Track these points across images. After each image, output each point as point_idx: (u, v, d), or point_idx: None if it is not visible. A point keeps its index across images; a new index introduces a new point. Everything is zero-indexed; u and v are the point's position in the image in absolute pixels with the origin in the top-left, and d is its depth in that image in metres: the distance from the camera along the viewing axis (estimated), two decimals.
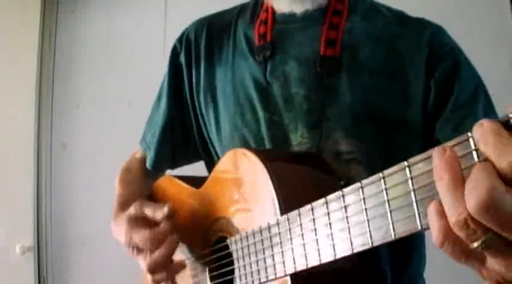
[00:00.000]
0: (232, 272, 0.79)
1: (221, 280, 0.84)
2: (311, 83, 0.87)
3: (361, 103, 0.85)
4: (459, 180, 0.37)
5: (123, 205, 1.00)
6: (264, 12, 0.95)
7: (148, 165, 1.07)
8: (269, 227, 0.69)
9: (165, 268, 0.85)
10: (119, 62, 2.63)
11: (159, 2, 2.59)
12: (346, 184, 0.67)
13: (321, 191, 0.61)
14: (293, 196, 0.69)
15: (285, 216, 0.65)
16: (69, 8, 2.88)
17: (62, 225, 2.68)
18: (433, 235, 0.39)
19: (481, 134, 0.36)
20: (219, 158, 0.92)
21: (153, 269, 0.84)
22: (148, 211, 0.86)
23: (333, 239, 0.56)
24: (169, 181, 1.07)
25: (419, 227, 0.44)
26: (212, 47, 0.99)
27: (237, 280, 0.77)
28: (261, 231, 0.70)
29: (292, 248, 0.64)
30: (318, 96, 0.86)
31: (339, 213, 0.55)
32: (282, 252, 0.66)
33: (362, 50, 0.88)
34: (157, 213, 0.84)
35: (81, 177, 2.65)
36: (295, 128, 0.86)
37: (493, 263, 0.38)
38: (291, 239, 0.64)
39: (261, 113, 0.88)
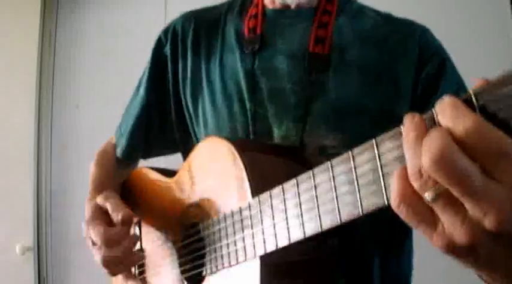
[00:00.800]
0: (203, 257, 0.80)
1: (191, 265, 0.85)
2: (298, 78, 0.88)
3: (347, 100, 0.87)
4: (422, 138, 0.40)
5: (98, 185, 1.05)
6: (254, 8, 0.97)
7: (119, 153, 1.08)
8: (240, 211, 0.70)
9: (121, 263, 0.86)
10: (119, 62, 2.63)
11: (159, 3, 2.59)
12: None
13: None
14: (264, 181, 0.69)
15: (256, 198, 0.66)
16: (69, 8, 2.88)
17: (62, 225, 2.68)
18: (392, 197, 0.42)
19: (441, 107, 0.40)
20: None
21: (106, 264, 0.86)
22: (109, 208, 0.88)
23: (302, 218, 0.57)
24: (146, 172, 1.06)
25: (385, 202, 0.46)
26: (199, 40, 1.00)
27: (207, 264, 0.78)
28: (232, 215, 0.71)
29: (262, 230, 0.64)
30: (304, 91, 0.87)
31: (309, 193, 0.56)
32: (253, 234, 0.66)
33: (350, 50, 0.90)
34: (114, 214, 0.87)
35: (81, 177, 2.65)
36: (280, 121, 0.87)
37: (443, 221, 0.40)
38: (261, 221, 0.65)
39: (247, 105, 0.89)
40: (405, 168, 0.42)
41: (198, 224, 0.82)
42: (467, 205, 0.39)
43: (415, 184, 0.41)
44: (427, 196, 0.40)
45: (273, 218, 0.62)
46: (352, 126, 0.86)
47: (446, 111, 0.39)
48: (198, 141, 0.98)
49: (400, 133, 0.44)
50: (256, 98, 0.89)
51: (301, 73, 0.88)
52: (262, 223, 0.65)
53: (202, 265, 0.80)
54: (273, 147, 0.86)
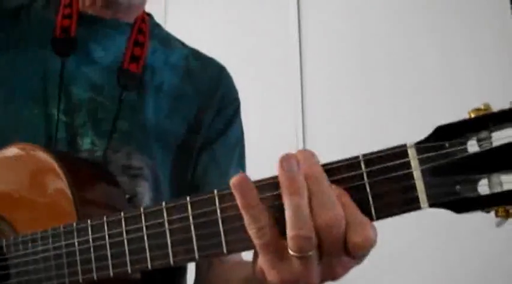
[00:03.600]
0: (2, 278, 0.72)
1: None
2: (108, 92, 0.86)
3: (153, 123, 0.87)
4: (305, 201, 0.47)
5: None
6: (68, 7, 0.89)
7: None
8: (64, 233, 0.64)
9: None
10: None
11: (159, 3, 2.58)
12: (130, 199, 0.79)
13: (110, 198, 0.65)
14: (87, 201, 0.67)
15: (83, 224, 0.63)
16: None
17: None
18: (262, 241, 0.49)
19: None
20: None
21: None
22: None
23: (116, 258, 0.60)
24: None
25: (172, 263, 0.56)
26: None
27: None
28: (52, 235, 0.65)
29: (93, 257, 0.62)
30: (112, 106, 0.85)
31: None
32: (76, 261, 0.63)
33: (161, 74, 0.92)
34: None
35: None
36: (86, 133, 0.84)
37: (294, 266, 0.48)
38: (93, 247, 0.62)
39: (50, 110, 0.83)
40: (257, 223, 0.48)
41: None
42: (325, 261, 0.48)
43: (297, 245, 0.47)
44: (311, 253, 0.47)
45: (93, 250, 0.61)
46: (157, 150, 0.86)
47: (319, 182, 0.48)
48: None
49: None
50: (61, 105, 0.83)
51: (112, 88, 0.86)
52: (88, 250, 0.62)
53: None
54: (86, 161, 0.81)
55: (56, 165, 0.69)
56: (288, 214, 0.47)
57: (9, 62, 0.86)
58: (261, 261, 0.50)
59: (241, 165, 0.97)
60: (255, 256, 0.52)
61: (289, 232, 0.46)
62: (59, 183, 0.68)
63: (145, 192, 0.83)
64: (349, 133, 1.98)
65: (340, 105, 2.04)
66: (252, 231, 0.48)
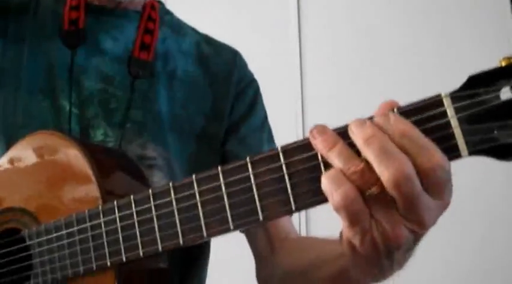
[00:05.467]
0: (29, 268, 0.70)
1: (11, 278, 0.74)
2: (119, 82, 0.85)
3: (167, 112, 0.86)
4: (346, 145, 0.47)
5: None
6: None
7: None
8: (89, 216, 0.63)
9: None
10: None
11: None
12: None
13: (135, 187, 0.65)
14: (112, 186, 0.67)
15: (110, 205, 0.62)
16: None
17: None
18: (335, 198, 0.45)
19: (378, 113, 0.48)
20: None
21: None
22: None
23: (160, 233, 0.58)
24: None
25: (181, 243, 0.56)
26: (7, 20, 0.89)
27: (39, 276, 0.69)
28: (76, 221, 0.64)
29: (121, 238, 0.61)
30: (124, 96, 0.84)
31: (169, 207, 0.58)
32: (107, 242, 0.62)
33: (173, 61, 0.90)
34: None
35: None
36: (98, 125, 0.83)
37: (380, 219, 0.46)
38: (121, 227, 0.61)
39: (62, 103, 0.83)
40: (336, 173, 0.46)
41: (19, 230, 0.72)
42: (407, 213, 0.45)
43: (359, 182, 0.45)
44: (369, 192, 0.45)
45: (131, 229, 0.60)
46: (171, 139, 0.85)
47: (384, 118, 0.46)
48: None
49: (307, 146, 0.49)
50: (72, 97, 0.83)
51: (124, 78, 0.85)
52: (120, 231, 0.61)
53: (29, 277, 0.70)
54: (110, 150, 0.80)
55: (79, 153, 0.67)
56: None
57: (18, 55, 0.85)
58: (350, 229, 0.47)
59: (273, 143, 0.96)
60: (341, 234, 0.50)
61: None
62: (83, 171, 0.66)
63: (160, 182, 0.81)
64: None
65: (340, 105, 2.03)
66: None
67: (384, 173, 0.43)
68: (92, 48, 0.86)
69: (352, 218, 0.46)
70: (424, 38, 1.98)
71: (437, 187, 0.45)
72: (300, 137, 1.92)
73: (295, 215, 1.55)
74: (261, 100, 0.98)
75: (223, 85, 0.93)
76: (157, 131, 0.84)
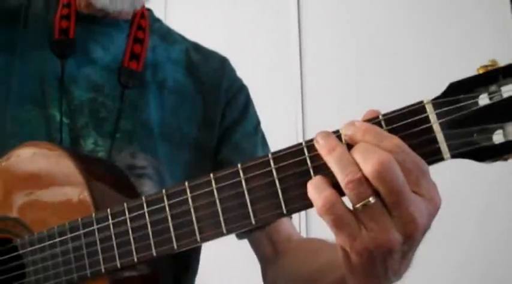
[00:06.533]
0: (18, 278, 0.70)
1: None
2: (109, 92, 0.86)
3: (158, 121, 0.87)
4: (346, 151, 0.47)
5: None
6: (66, 8, 0.89)
7: None
8: (82, 224, 0.64)
9: None
10: None
11: (159, 3, 2.58)
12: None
13: (127, 195, 0.65)
14: (103, 196, 0.67)
15: (104, 213, 0.63)
16: None
17: None
18: (319, 204, 0.47)
19: (360, 127, 0.48)
20: None
21: None
22: None
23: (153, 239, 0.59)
24: None
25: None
26: None
27: None
28: (70, 229, 0.65)
29: (115, 244, 0.61)
30: (114, 106, 0.85)
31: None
32: (101, 249, 0.62)
33: (163, 70, 0.91)
34: None
35: None
36: (88, 134, 0.83)
37: (370, 226, 0.46)
38: (114, 234, 0.62)
39: (53, 112, 0.83)
40: (325, 180, 0.48)
41: (11, 241, 0.71)
42: (396, 213, 0.45)
43: (352, 193, 0.46)
44: (360, 205, 0.46)
45: (124, 236, 0.61)
46: (161, 148, 0.86)
47: (370, 131, 0.47)
48: None
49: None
50: (62, 106, 0.83)
51: (114, 87, 0.86)
52: (114, 238, 0.62)
53: None
54: (99, 160, 0.81)
55: (71, 163, 0.67)
56: (333, 167, 0.47)
57: (8, 64, 0.85)
58: (338, 234, 0.48)
59: (266, 146, 0.96)
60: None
61: (341, 182, 0.46)
62: (76, 181, 0.67)
63: (150, 191, 0.81)
64: None
65: (340, 105, 2.03)
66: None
67: (367, 166, 0.45)
68: (82, 57, 0.87)
69: (337, 222, 0.47)
70: (424, 37, 1.97)
71: (418, 181, 0.46)
72: (300, 137, 1.93)
73: (295, 216, 1.57)
74: (252, 105, 0.98)
75: (213, 93, 0.93)
76: (147, 140, 0.85)
